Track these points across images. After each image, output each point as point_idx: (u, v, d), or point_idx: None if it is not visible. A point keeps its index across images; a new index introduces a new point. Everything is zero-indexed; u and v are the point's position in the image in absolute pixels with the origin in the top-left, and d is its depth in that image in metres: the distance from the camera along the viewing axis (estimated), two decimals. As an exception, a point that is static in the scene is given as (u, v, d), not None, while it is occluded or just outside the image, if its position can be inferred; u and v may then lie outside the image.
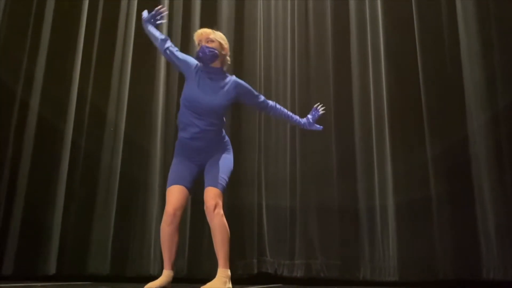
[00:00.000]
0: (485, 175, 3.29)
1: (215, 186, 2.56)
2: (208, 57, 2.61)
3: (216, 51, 2.61)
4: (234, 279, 3.13)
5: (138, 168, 3.88)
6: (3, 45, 4.05)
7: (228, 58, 2.71)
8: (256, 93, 2.77)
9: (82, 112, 4.00)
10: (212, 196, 2.54)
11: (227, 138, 2.74)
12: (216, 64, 2.65)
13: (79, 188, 3.88)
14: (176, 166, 2.69)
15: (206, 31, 2.68)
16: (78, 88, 4.02)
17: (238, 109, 3.87)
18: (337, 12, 3.92)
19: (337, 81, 3.80)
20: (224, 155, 2.67)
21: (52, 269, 3.68)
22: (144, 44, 4.03)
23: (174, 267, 2.64)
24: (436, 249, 3.29)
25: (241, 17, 4.08)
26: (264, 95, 3.86)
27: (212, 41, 2.64)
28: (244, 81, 3.88)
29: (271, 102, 2.80)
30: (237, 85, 2.68)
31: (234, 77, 2.71)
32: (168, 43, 2.70)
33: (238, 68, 3.91)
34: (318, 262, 3.51)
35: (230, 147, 2.73)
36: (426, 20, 3.64)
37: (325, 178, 3.63)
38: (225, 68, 2.70)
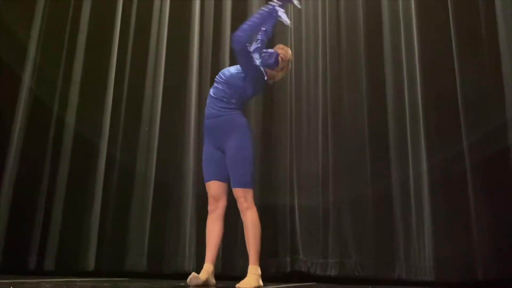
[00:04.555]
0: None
1: (240, 186, 2.63)
2: (270, 63, 2.80)
3: (275, 66, 2.79)
4: (267, 277, 3.16)
5: (172, 173, 3.94)
6: (40, 65, 4.27)
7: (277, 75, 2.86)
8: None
9: (116, 127, 4.11)
10: (240, 195, 2.64)
11: (242, 119, 2.73)
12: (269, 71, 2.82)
13: (115, 192, 3.99)
14: (204, 158, 2.78)
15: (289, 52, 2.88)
16: (112, 105, 4.13)
17: (269, 108, 3.88)
18: (369, 9, 3.85)
19: (370, 77, 3.73)
20: (239, 143, 2.65)
21: (91, 265, 3.81)
22: (176, 59, 4.14)
23: (212, 260, 2.69)
24: (474, 247, 3.19)
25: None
26: (295, 95, 3.90)
27: (286, 61, 2.83)
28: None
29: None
30: None
31: None
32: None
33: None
34: (352, 261, 3.47)
35: (245, 129, 2.70)
36: (462, 12, 3.52)
37: (358, 175, 3.58)
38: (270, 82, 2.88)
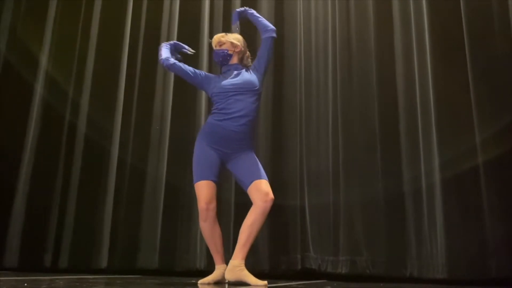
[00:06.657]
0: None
1: (265, 178, 2.66)
2: (220, 58, 2.83)
3: (226, 51, 2.80)
4: (278, 275, 3.17)
5: (182, 172, 3.93)
6: (51, 74, 4.40)
7: (246, 54, 2.88)
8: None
9: (127, 128, 4.16)
10: (265, 186, 2.62)
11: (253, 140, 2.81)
12: (233, 61, 2.83)
13: (127, 191, 4.04)
14: (199, 158, 2.70)
15: (216, 36, 2.91)
16: (123, 107, 4.20)
17: (278, 106, 3.89)
18: (380, 4, 3.82)
19: (381, 74, 3.69)
20: (252, 155, 2.73)
21: (104, 263, 3.87)
22: (186, 60, 4.11)
23: (223, 260, 2.72)
24: (487, 244, 3.13)
25: (281, 15, 4.07)
26: (305, 92, 3.90)
27: (223, 43, 2.85)
28: (285, 78, 3.94)
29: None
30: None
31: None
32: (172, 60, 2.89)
33: (278, 66, 3.93)
34: (363, 259, 3.44)
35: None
36: (474, 5, 3.47)
37: (369, 172, 3.55)
38: (246, 63, 2.88)
